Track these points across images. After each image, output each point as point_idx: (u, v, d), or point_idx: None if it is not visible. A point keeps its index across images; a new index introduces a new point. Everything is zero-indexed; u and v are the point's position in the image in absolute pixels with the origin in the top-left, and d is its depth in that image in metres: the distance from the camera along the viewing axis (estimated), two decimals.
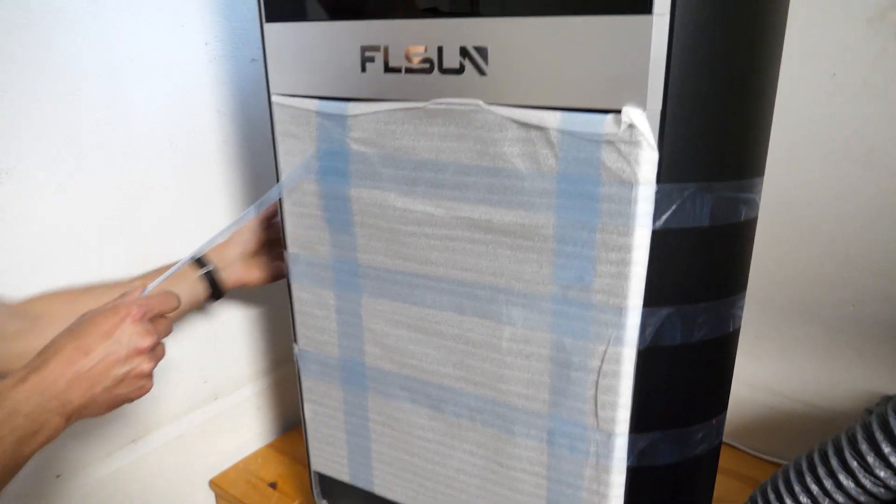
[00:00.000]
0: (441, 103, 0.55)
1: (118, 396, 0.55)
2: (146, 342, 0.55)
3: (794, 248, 0.89)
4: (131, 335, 0.54)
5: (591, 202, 0.51)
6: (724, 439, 1.01)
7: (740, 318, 0.61)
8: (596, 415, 0.57)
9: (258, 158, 0.91)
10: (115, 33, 0.73)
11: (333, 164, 0.63)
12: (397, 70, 0.56)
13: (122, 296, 0.59)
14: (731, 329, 0.59)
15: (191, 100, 0.83)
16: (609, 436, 0.57)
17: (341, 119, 0.60)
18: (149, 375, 0.56)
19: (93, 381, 0.52)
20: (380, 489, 0.75)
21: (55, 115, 0.70)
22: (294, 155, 0.65)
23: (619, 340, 0.54)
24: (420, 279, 0.62)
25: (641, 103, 0.48)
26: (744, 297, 0.60)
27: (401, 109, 0.57)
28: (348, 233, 0.65)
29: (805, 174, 0.85)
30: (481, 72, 0.52)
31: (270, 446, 1.03)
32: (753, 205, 0.56)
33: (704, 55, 0.48)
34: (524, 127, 0.52)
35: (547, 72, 0.50)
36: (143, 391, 0.56)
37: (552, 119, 0.50)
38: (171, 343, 0.67)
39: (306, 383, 0.76)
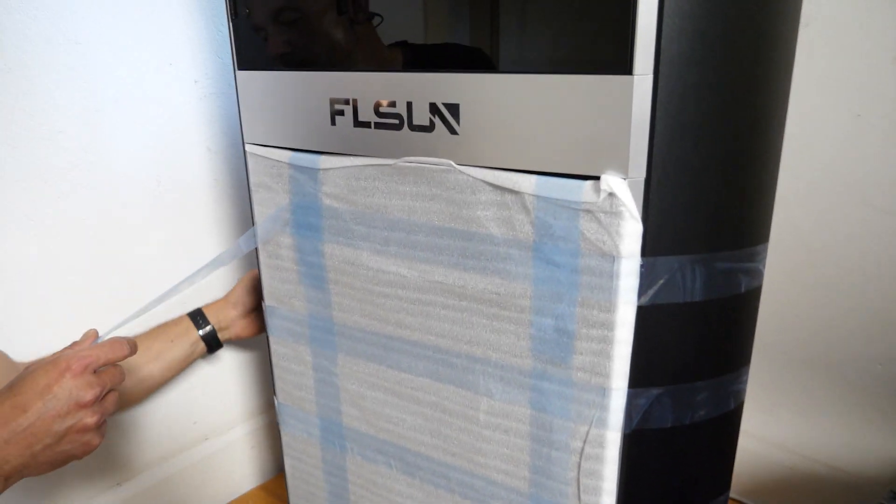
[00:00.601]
0: (412, 161, 0.51)
1: (61, 454, 0.52)
2: (88, 395, 0.51)
3: (817, 300, 0.82)
4: (71, 389, 0.51)
5: (569, 274, 0.47)
6: (738, 497, 0.95)
7: (743, 392, 0.56)
8: (579, 498, 0.53)
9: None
10: (97, 74, 0.71)
11: (307, 218, 0.60)
12: (366, 125, 0.52)
13: (71, 346, 0.56)
14: (731, 406, 0.54)
15: (179, 138, 0.80)
16: None
17: (313, 172, 0.57)
18: (94, 429, 0.53)
19: (31, 440, 0.49)
20: None
21: (34, 158, 0.68)
22: (268, 206, 0.62)
23: (602, 422, 0.50)
24: (395, 342, 0.59)
25: (623, 170, 0.43)
26: (747, 371, 0.55)
27: (371, 166, 0.53)
28: (323, 289, 0.62)
29: (826, 220, 0.79)
30: (452, 130, 0.48)
31: (262, 488, 1.00)
32: (756, 274, 0.51)
33: (693, 119, 0.43)
34: (498, 190, 0.48)
35: (522, 133, 0.46)
36: (88, 447, 0.53)
37: (527, 183, 0.46)
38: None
39: (285, 438, 0.73)
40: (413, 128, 0.50)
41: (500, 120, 0.46)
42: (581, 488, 0.52)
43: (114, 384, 0.55)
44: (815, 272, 0.81)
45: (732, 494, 0.95)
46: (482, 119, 0.47)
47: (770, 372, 0.88)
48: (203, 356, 0.78)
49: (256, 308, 0.78)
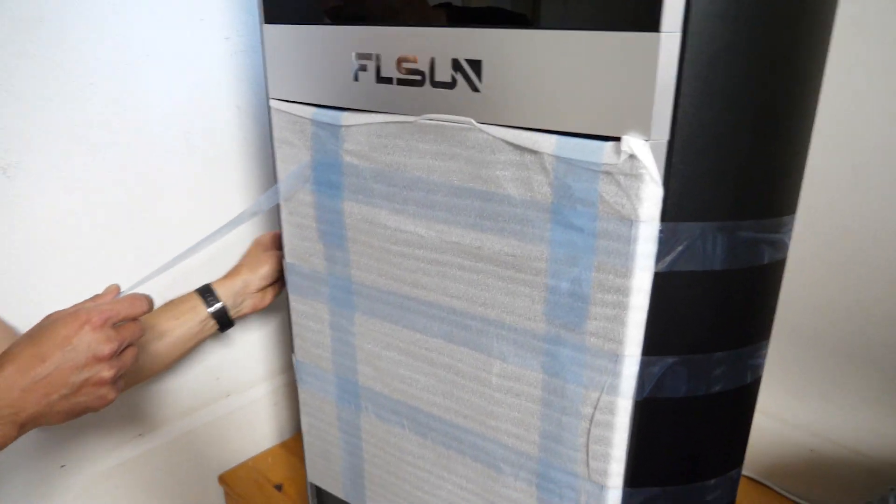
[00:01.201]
0: (432, 119, 0.51)
1: (77, 405, 0.52)
2: (106, 349, 0.52)
3: (852, 284, 0.80)
4: (90, 342, 0.51)
5: (586, 237, 0.46)
6: (760, 479, 0.94)
7: (761, 367, 0.54)
8: (587, 464, 0.53)
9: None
10: (130, 28, 0.72)
11: (327, 176, 0.60)
12: (389, 81, 0.52)
13: (92, 299, 0.57)
14: (748, 381, 0.53)
15: (209, 95, 0.81)
16: (601, 488, 0.53)
17: (335, 129, 0.57)
18: (109, 383, 0.53)
19: (48, 389, 0.50)
20: None
21: (66, 110, 0.69)
22: (290, 163, 0.62)
23: (613, 389, 0.49)
24: (411, 302, 0.59)
25: (646, 132, 0.42)
26: (766, 345, 0.54)
27: (392, 123, 0.53)
28: (342, 248, 0.62)
29: (868, 202, 0.76)
30: (474, 87, 0.48)
31: (282, 446, 1.02)
32: (780, 246, 0.50)
33: (722, 81, 0.42)
34: (518, 150, 0.47)
35: (544, 91, 0.45)
36: (103, 401, 0.54)
37: (547, 143, 0.46)
38: None
39: (303, 395, 0.74)
40: (435, 84, 0.49)
41: (523, 77, 0.46)
42: (590, 454, 0.52)
43: (132, 339, 0.56)
44: (848, 254, 0.79)
45: (754, 475, 0.94)
46: (504, 76, 0.46)
47: (797, 353, 0.87)
48: (214, 335, 0.76)
49: (268, 282, 0.77)
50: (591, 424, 0.51)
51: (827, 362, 0.85)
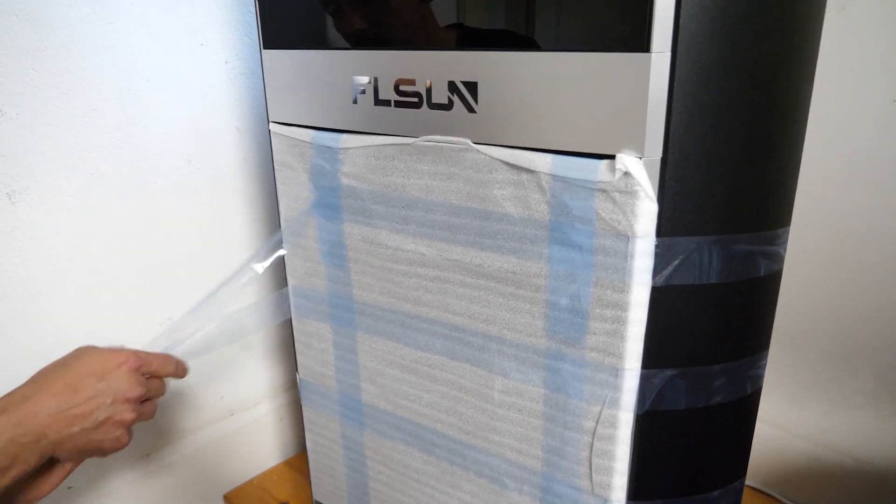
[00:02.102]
0: (430, 140, 0.51)
1: (91, 443, 0.53)
2: (135, 392, 0.54)
3: (852, 291, 0.81)
4: (121, 381, 0.53)
5: (584, 254, 0.47)
6: (763, 488, 0.94)
7: (761, 378, 0.55)
8: (591, 478, 0.53)
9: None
10: (131, 54, 0.73)
11: (326, 198, 0.61)
12: (387, 103, 0.53)
13: (120, 348, 0.58)
14: (748, 392, 0.54)
15: (210, 118, 0.82)
16: (604, 501, 0.53)
17: (333, 152, 0.58)
18: (127, 427, 0.54)
19: (73, 420, 0.51)
20: None
21: (68, 136, 0.70)
22: (291, 185, 0.63)
23: (615, 403, 0.50)
24: (413, 320, 0.60)
25: (639, 150, 0.43)
26: (765, 356, 0.54)
27: (390, 145, 0.54)
28: (343, 268, 0.63)
29: (865, 208, 0.77)
30: (470, 108, 0.49)
31: (287, 464, 1.02)
32: (776, 258, 0.50)
33: (712, 98, 0.43)
34: (514, 169, 0.48)
35: (539, 111, 0.46)
36: (117, 444, 0.54)
37: (543, 162, 0.46)
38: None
39: (307, 413, 0.74)
40: (432, 106, 0.50)
41: (518, 98, 0.46)
42: (593, 468, 0.52)
43: (154, 394, 0.58)
44: (848, 262, 0.80)
45: (756, 484, 0.94)
46: (500, 97, 0.47)
47: (799, 362, 0.87)
48: None
49: None
50: (593, 438, 0.52)
51: (828, 370, 0.85)
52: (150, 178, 0.78)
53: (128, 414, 0.54)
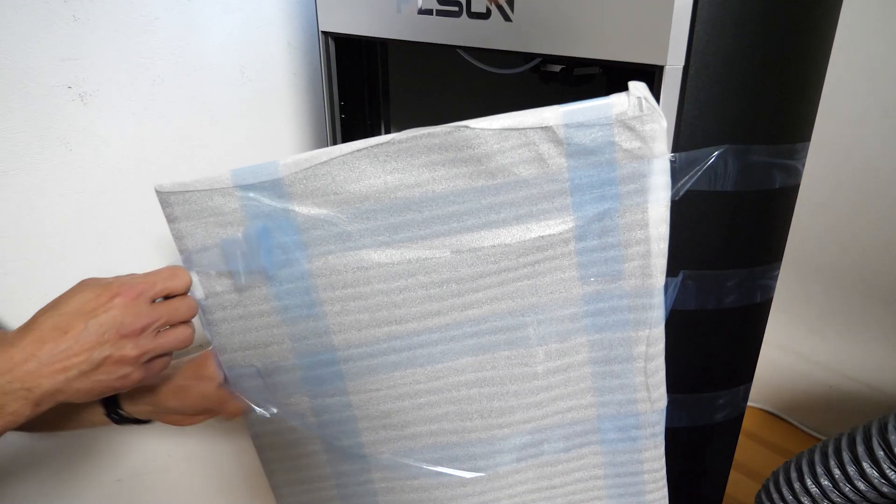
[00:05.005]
0: (412, 136, 0.48)
1: (98, 384, 0.47)
2: (136, 324, 0.47)
3: (876, 222, 0.82)
4: (115, 316, 0.46)
5: (608, 187, 0.48)
6: (779, 413, 0.98)
7: (772, 289, 0.58)
8: (649, 399, 0.55)
9: (324, 93, 0.93)
10: None
11: (278, 239, 0.51)
12: (429, 12, 0.56)
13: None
14: (758, 300, 0.57)
15: (263, 31, 0.86)
16: (660, 412, 0.56)
17: (273, 184, 0.49)
18: (133, 363, 0.47)
19: (66, 364, 0.45)
20: None
21: (134, 43, 0.75)
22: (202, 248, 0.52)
23: (657, 320, 0.52)
24: (421, 336, 0.54)
25: (662, 59, 0.46)
26: (777, 267, 0.57)
27: (361, 150, 0.48)
28: (314, 317, 0.54)
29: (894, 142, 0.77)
30: (506, 17, 0.51)
31: None
32: (792, 172, 0.53)
33: (736, 10, 0.45)
34: (521, 132, 0.47)
35: (570, 21, 0.49)
36: (126, 381, 0.48)
37: (554, 116, 0.47)
38: None
39: None
40: (471, 15, 0.53)
41: (551, 8, 0.49)
42: (650, 387, 0.55)
43: (172, 318, 0.49)
44: (875, 193, 0.81)
45: (773, 410, 0.98)
46: (534, 7, 0.50)
47: (818, 291, 0.89)
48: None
49: (192, 414, 0.60)
50: (645, 361, 0.54)
51: (847, 299, 0.87)
52: (206, 88, 0.83)
53: (130, 350, 0.47)
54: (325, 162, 0.48)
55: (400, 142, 0.48)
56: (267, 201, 0.50)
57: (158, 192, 0.51)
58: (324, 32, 0.66)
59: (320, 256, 0.51)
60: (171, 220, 0.52)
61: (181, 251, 0.52)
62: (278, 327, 0.54)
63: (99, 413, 0.58)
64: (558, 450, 0.59)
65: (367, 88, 0.78)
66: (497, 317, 0.54)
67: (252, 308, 0.53)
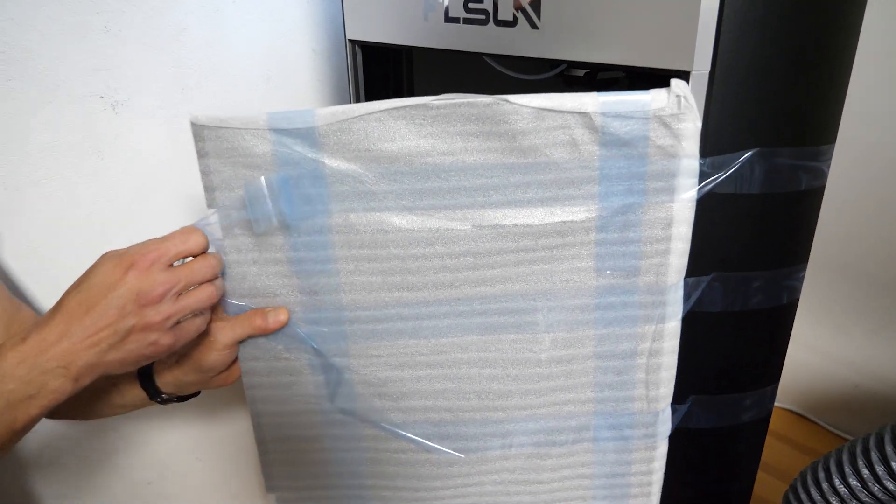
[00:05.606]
0: (450, 99, 0.48)
1: (130, 353, 0.48)
2: (156, 291, 0.47)
3: None
4: (133, 287, 0.47)
5: (636, 182, 0.49)
6: (805, 414, 0.98)
7: (798, 290, 0.58)
8: (646, 397, 0.56)
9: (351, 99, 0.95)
10: None
11: (304, 191, 0.51)
12: (456, 20, 0.57)
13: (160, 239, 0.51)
14: (784, 301, 0.57)
15: (288, 38, 0.87)
16: (656, 414, 0.57)
17: (308, 132, 0.49)
18: (159, 329, 0.48)
19: (97, 339, 0.47)
20: None
21: (163, 53, 0.77)
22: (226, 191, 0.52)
23: (665, 317, 0.53)
24: (429, 308, 0.54)
25: (689, 64, 0.46)
26: (803, 269, 0.58)
27: (400, 108, 0.48)
28: (326, 273, 0.53)
29: None
30: (533, 25, 0.52)
31: None
32: (818, 174, 0.53)
33: (761, 14, 0.45)
34: (559, 115, 0.48)
35: (597, 28, 0.49)
36: (156, 347, 0.49)
37: (592, 102, 0.47)
38: None
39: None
40: (498, 23, 0.54)
41: (577, 16, 0.50)
42: (648, 385, 0.55)
43: (192, 279, 0.50)
44: None
45: (799, 410, 0.98)
46: (560, 15, 0.51)
47: (844, 290, 0.89)
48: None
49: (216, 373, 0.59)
50: (647, 357, 0.54)
51: (874, 299, 0.87)
52: (234, 95, 0.84)
53: (153, 317, 0.47)
54: (361, 116, 0.48)
55: (438, 107, 0.48)
56: (298, 149, 0.50)
57: (193, 125, 0.51)
58: (351, 41, 0.67)
59: (342, 213, 0.51)
60: (201, 154, 0.52)
61: (206, 188, 0.52)
62: (289, 278, 0.53)
63: (139, 394, 0.59)
64: (550, 443, 0.59)
65: (392, 95, 0.79)
66: (509, 298, 0.53)
67: (266, 255, 0.53)
